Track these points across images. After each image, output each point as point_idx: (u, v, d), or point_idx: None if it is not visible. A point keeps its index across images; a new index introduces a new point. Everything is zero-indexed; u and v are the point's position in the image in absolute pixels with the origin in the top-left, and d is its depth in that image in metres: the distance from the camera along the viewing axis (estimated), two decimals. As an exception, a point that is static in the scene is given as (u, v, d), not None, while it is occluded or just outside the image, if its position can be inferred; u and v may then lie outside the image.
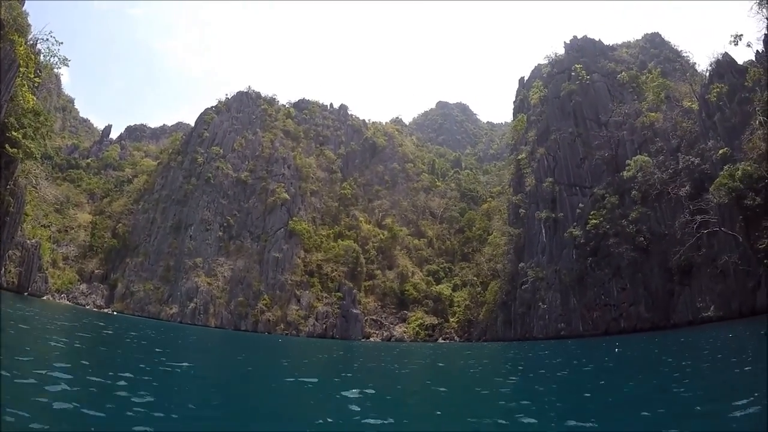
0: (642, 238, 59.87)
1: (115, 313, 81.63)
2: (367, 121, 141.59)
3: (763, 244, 41.56)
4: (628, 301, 58.89)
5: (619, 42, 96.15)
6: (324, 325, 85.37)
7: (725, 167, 48.74)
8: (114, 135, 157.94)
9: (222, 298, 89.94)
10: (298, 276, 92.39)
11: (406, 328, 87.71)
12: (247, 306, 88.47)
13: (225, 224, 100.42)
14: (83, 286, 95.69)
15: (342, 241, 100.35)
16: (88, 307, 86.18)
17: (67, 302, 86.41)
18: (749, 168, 45.92)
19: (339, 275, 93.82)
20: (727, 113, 51.79)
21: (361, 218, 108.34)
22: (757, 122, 45.53)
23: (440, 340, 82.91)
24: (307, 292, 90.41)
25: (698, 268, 51.50)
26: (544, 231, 73.76)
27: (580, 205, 70.03)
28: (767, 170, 43.83)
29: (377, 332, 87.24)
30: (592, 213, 66.72)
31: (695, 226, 51.74)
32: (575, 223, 68.51)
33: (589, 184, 71.72)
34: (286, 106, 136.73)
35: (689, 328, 47.77)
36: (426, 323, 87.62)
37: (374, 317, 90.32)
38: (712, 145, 53.13)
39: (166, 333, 42.72)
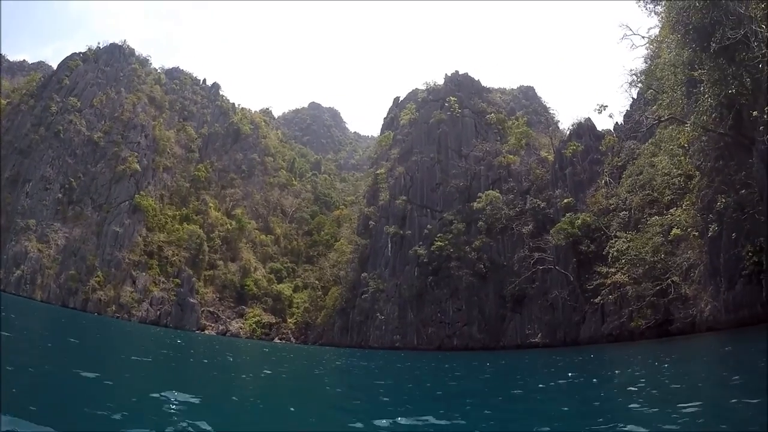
0: (482, 265, 64.88)
1: None
2: (236, 105, 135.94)
3: (591, 285, 47.45)
4: (463, 321, 63.33)
5: (496, 86, 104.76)
6: (158, 312, 78.82)
7: (567, 214, 55.31)
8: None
9: (52, 268, 78.56)
10: (136, 255, 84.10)
11: (243, 324, 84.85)
12: (78, 281, 78.17)
13: (67, 186, 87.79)
14: None
15: (188, 224, 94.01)
16: None
17: None
18: (588, 219, 52.70)
19: (180, 260, 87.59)
20: (577, 169, 59.31)
21: (210, 204, 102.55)
22: (603, 182, 52.61)
23: (276, 340, 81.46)
24: (144, 274, 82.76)
25: (530, 299, 57.44)
26: (390, 245, 76.36)
27: (429, 226, 73.66)
28: (604, 223, 50.65)
29: (213, 325, 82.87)
30: (438, 235, 70.50)
31: (532, 262, 57.63)
32: (421, 243, 71.84)
33: (440, 208, 76.06)
34: (158, 71, 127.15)
35: (516, 351, 53.01)
36: (264, 321, 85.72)
37: (211, 309, 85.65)
38: (558, 194, 60.12)
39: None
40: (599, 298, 45.23)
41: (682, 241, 36.91)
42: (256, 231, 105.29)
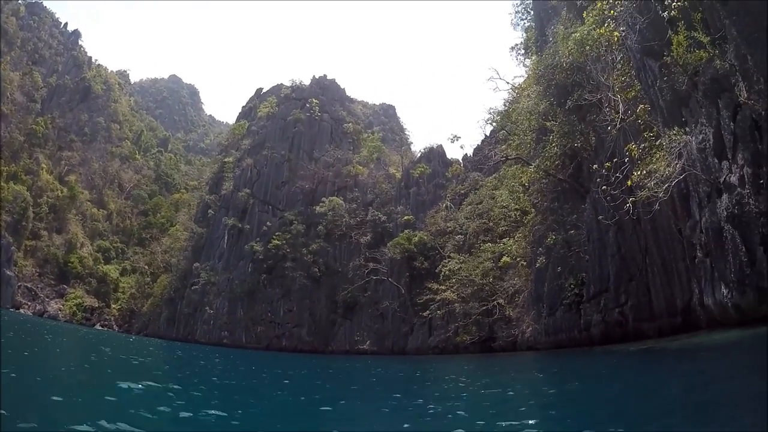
0: (317, 269, 65.55)
1: None
2: (93, 60, 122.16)
3: (422, 299, 50.61)
4: (293, 323, 63.28)
5: (360, 99, 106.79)
6: (-32, 285, 66.36)
7: (406, 231, 58.52)
8: None
9: None
10: (-50, 214, 69.87)
11: (63, 305, 76.27)
12: None
13: None
14: None
15: (14, 184, 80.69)
16: None
17: None
18: (425, 237, 56.31)
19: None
20: (422, 190, 63.15)
21: (43, 165, 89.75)
22: (444, 206, 56.87)
23: (98, 326, 74.55)
24: (-43, 237, 68.99)
25: (361, 307, 59.41)
26: (227, 237, 73.99)
27: (268, 223, 72.64)
28: (439, 244, 54.57)
29: (30, 304, 73.52)
30: (277, 234, 69.77)
31: (367, 271, 59.78)
32: (259, 239, 70.55)
33: (283, 207, 75.37)
34: (19, 1, 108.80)
35: (344, 356, 54.31)
36: (86, 304, 78.12)
37: (29, 285, 75.00)
38: (400, 210, 63.39)
39: None
40: (428, 312, 48.35)
41: (510, 269, 41.32)
42: (89, 203, 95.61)
